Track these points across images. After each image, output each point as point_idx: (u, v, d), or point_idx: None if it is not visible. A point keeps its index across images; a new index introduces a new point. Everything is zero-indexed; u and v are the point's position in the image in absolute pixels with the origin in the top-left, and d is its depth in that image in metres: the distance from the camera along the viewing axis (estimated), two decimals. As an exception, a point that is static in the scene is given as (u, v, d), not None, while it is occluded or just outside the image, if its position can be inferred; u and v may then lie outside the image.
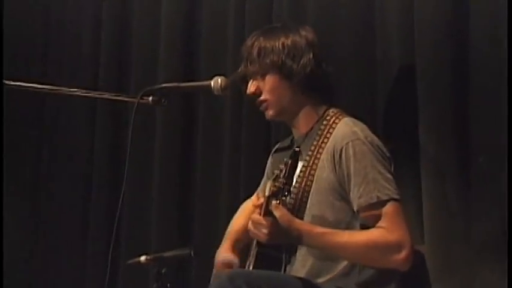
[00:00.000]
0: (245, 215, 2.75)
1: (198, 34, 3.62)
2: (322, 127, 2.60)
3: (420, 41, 2.73)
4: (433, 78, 2.70)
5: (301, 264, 2.56)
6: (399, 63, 2.87)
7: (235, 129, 3.41)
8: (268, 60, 2.61)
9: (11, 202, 3.93)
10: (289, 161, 2.39)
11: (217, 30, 3.55)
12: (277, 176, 2.41)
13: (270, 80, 2.63)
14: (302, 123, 2.67)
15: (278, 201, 2.39)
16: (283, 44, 2.61)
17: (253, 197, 2.85)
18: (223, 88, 2.51)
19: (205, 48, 3.58)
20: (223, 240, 2.79)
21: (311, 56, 2.60)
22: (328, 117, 2.62)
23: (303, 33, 2.65)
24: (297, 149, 2.48)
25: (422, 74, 2.71)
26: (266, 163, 2.91)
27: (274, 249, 2.54)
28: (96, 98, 2.76)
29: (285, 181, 2.38)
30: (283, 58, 2.60)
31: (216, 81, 2.51)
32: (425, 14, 2.72)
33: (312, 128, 2.64)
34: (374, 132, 2.58)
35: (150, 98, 2.50)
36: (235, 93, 3.22)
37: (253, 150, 3.34)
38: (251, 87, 2.67)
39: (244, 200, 3.10)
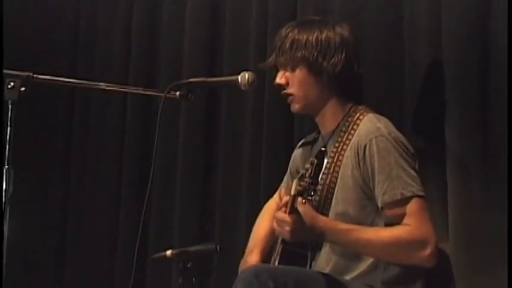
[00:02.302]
0: (269, 217, 2.75)
1: (221, 31, 3.62)
2: (347, 123, 2.60)
3: (448, 39, 2.73)
4: (460, 76, 2.69)
5: (325, 262, 2.56)
6: (427, 61, 2.85)
7: (257, 124, 3.41)
8: (299, 54, 2.60)
9: (40, 196, 4.00)
10: (315, 161, 2.39)
11: (240, 26, 3.54)
12: (302, 175, 2.41)
13: (299, 74, 2.63)
14: (328, 121, 2.66)
15: (304, 201, 2.39)
16: (316, 39, 2.59)
17: (275, 196, 2.85)
18: (250, 83, 2.50)
19: (228, 45, 3.58)
20: (249, 246, 2.80)
21: (343, 56, 2.58)
22: (353, 114, 2.62)
23: (338, 30, 2.62)
24: (323, 149, 2.48)
25: (449, 72, 2.71)
26: (288, 159, 2.91)
27: (299, 246, 2.55)
28: (123, 92, 2.77)
29: (310, 181, 2.38)
30: (315, 54, 2.58)
31: (243, 77, 2.50)
32: (453, 13, 2.72)
33: (338, 125, 2.63)
34: (401, 129, 2.58)
35: (177, 93, 2.50)
36: (258, 87, 3.22)
37: (275, 145, 3.34)
38: (280, 78, 2.66)
39: (264, 195, 3.12)
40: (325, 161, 2.57)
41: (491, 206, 2.62)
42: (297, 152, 2.84)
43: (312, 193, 2.40)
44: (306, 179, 2.38)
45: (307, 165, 2.40)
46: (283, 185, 2.85)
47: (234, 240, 3.37)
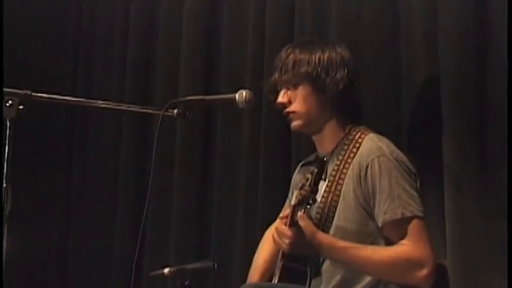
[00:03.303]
0: (269, 243, 2.74)
1: (218, 47, 3.63)
2: (348, 142, 2.61)
3: (444, 53, 2.74)
4: (457, 90, 2.69)
5: (327, 279, 2.56)
6: (423, 76, 2.87)
7: (254, 141, 3.41)
8: (303, 70, 2.62)
9: (39, 213, 4.01)
10: (316, 170, 2.41)
11: (238, 42, 3.55)
12: (303, 184, 2.43)
13: (302, 91, 2.64)
14: (327, 140, 2.67)
15: (303, 210, 2.41)
16: (319, 58, 2.62)
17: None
18: (247, 101, 2.50)
19: (225, 61, 3.59)
20: (251, 271, 2.79)
21: (345, 73, 2.61)
22: (353, 133, 2.63)
23: (339, 50, 2.66)
24: (325, 159, 2.49)
25: (446, 87, 2.71)
26: (285, 175, 2.91)
27: (299, 262, 2.56)
28: (124, 110, 2.77)
29: (310, 189, 2.40)
30: (318, 70, 2.61)
31: (241, 94, 2.50)
32: (449, 26, 2.73)
33: (337, 146, 2.65)
34: (398, 146, 2.59)
35: (175, 111, 2.51)
36: (255, 104, 3.23)
37: (272, 162, 3.34)
38: (282, 96, 2.67)
39: (261, 212, 3.12)
40: (326, 180, 2.58)
41: (489, 223, 2.61)
42: (299, 173, 2.84)
43: (311, 202, 2.41)
44: (306, 187, 2.40)
45: (308, 175, 2.42)
46: (284, 208, 2.84)
47: (231, 258, 3.37)
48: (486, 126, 2.66)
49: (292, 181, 2.86)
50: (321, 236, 2.46)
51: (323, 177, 2.52)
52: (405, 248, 2.45)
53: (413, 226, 2.46)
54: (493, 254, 2.58)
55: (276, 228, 2.46)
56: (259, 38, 3.42)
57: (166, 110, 2.49)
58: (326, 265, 2.56)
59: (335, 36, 3.07)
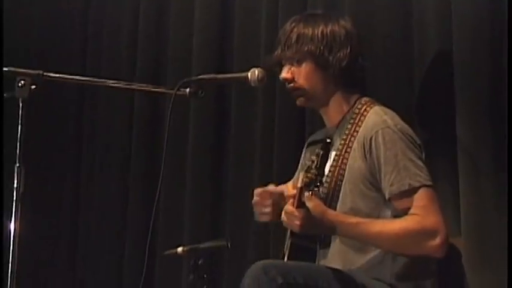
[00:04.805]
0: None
1: (231, 26, 3.62)
2: (354, 115, 2.61)
3: (458, 33, 2.72)
4: (471, 71, 2.68)
5: (335, 255, 2.56)
6: (436, 54, 2.84)
7: (268, 120, 3.41)
8: (306, 48, 2.61)
9: (51, 195, 4.04)
10: (321, 152, 2.39)
11: (251, 22, 3.54)
12: (309, 167, 2.41)
13: (305, 68, 2.64)
14: (333, 113, 2.68)
15: (311, 193, 2.39)
16: (322, 32, 2.61)
17: (289, 184, 2.85)
18: (260, 79, 2.51)
19: (239, 41, 3.58)
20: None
21: (348, 49, 2.60)
22: (359, 106, 2.63)
23: (342, 23, 2.65)
24: (328, 140, 2.47)
25: (459, 67, 2.69)
26: (299, 155, 2.91)
27: (308, 240, 2.56)
28: (135, 90, 2.77)
29: (316, 172, 2.38)
30: (321, 48, 2.60)
31: (253, 73, 2.50)
32: (464, 5, 2.70)
33: (343, 118, 2.65)
34: (409, 122, 2.57)
35: (187, 90, 2.51)
36: (268, 83, 3.22)
37: (286, 141, 3.34)
38: (286, 72, 2.67)
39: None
40: (333, 153, 2.58)
41: (503, 201, 2.59)
42: (308, 149, 2.85)
43: (318, 184, 2.40)
44: (312, 171, 2.38)
45: (313, 157, 2.41)
46: (294, 180, 2.85)
47: (244, 237, 3.38)
48: (501, 103, 2.63)
49: (302, 155, 2.87)
50: (331, 214, 2.46)
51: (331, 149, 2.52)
52: (416, 218, 2.44)
53: (423, 196, 2.45)
54: (507, 230, 2.56)
55: (285, 210, 2.45)
56: (273, 17, 3.41)
57: (178, 89, 2.49)
58: (334, 243, 2.56)
59: (347, 12, 3.05)
